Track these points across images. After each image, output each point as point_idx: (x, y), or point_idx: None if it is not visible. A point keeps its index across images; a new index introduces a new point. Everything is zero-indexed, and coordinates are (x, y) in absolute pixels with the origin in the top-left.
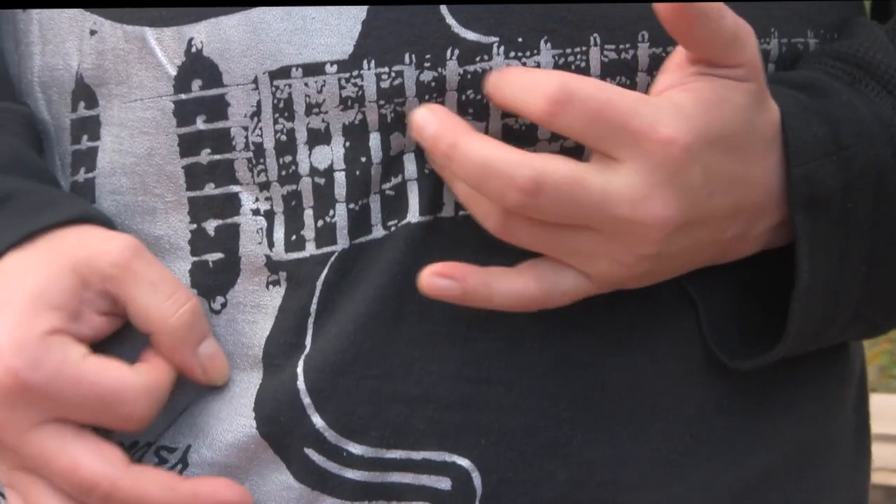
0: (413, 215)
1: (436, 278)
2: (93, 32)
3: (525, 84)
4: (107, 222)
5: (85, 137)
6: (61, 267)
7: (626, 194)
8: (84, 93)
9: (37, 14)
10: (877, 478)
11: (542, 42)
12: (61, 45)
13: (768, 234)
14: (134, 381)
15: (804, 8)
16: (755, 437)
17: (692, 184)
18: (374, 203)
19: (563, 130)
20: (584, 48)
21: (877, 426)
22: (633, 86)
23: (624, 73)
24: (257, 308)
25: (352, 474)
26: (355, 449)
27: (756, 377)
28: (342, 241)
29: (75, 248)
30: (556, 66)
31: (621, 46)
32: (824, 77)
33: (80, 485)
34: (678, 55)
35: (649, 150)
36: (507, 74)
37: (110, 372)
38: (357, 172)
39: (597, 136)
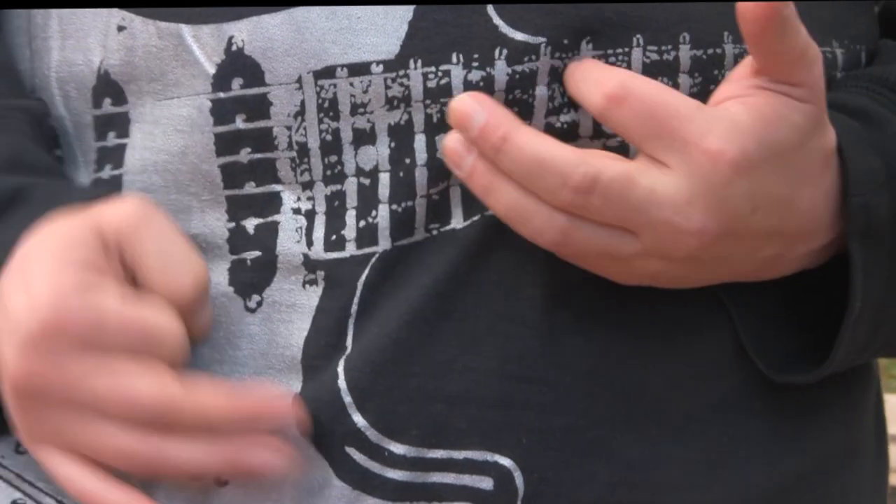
0: (458, 221)
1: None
2: (120, 28)
3: (591, 76)
4: None
5: (112, 134)
6: (81, 226)
7: (670, 198)
8: (109, 89)
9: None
10: None
11: (583, 43)
12: (83, 40)
13: (807, 257)
14: (169, 323)
15: (827, 18)
16: (788, 440)
17: (736, 198)
18: (420, 207)
19: (616, 127)
20: (626, 49)
21: None
22: (674, 87)
23: (665, 74)
24: (293, 308)
25: (393, 474)
26: (397, 448)
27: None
28: (384, 243)
29: (90, 211)
30: None
31: (663, 48)
32: (875, 105)
33: (145, 413)
34: (742, 67)
35: (697, 160)
36: (581, 65)
37: (146, 315)
38: (401, 174)
39: (647, 138)
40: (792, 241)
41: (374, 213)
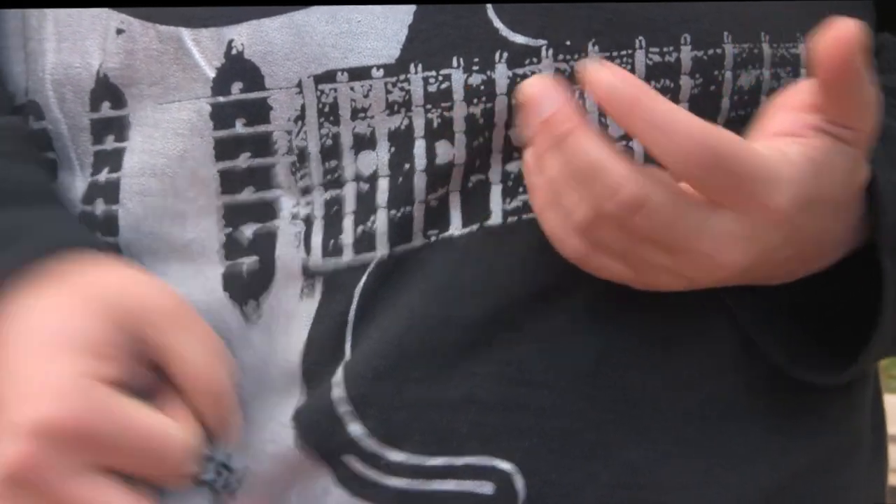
0: (456, 228)
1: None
2: (119, 31)
3: (665, 127)
4: (103, 249)
5: (111, 138)
6: (97, 310)
7: (715, 235)
8: (108, 93)
9: (52, 10)
10: None
11: (590, 45)
12: (80, 42)
13: (822, 267)
14: (179, 436)
15: (823, 16)
16: (787, 439)
17: (776, 241)
18: (419, 212)
19: (693, 185)
20: (629, 51)
21: None
22: (676, 88)
23: (667, 75)
24: (291, 316)
25: (393, 482)
26: (396, 456)
27: (785, 380)
28: (381, 249)
29: (108, 289)
30: None
31: (665, 49)
32: (888, 119)
33: None
34: (800, 95)
35: (755, 211)
36: (638, 103)
37: (156, 422)
38: (400, 179)
39: (708, 186)
40: (807, 264)
41: (372, 218)
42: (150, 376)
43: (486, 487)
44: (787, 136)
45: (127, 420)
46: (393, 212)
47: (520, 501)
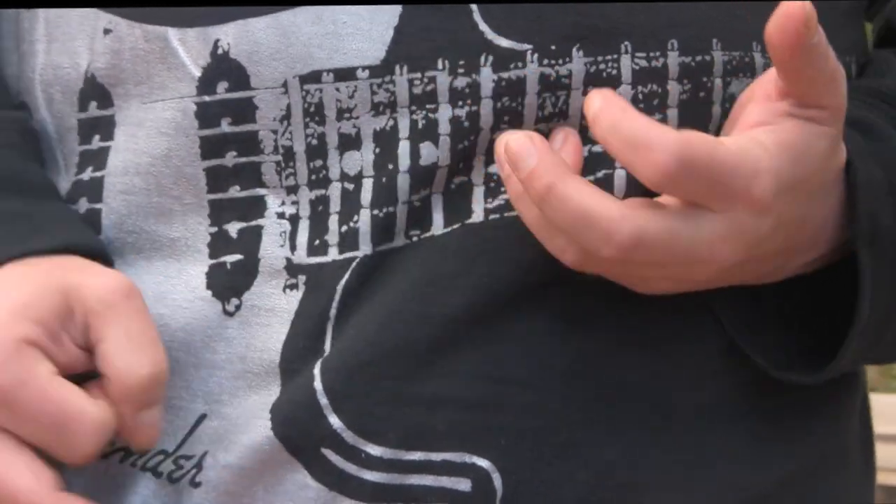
0: (438, 228)
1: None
2: (107, 31)
3: (638, 145)
4: (102, 253)
5: (97, 138)
6: (50, 286)
7: (708, 240)
8: (96, 92)
9: (43, 11)
10: (877, 478)
11: (574, 50)
12: (69, 43)
13: (808, 265)
14: (93, 415)
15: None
16: (772, 445)
17: (763, 231)
18: (401, 213)
19: (672, 193)
20: (615, 56)
21: (877, 426)
22: (664, 93)
23: (654, 80)
24: (272, 312)
25: (370, 476)
26: (374, 450)
27: (771, 385)
28: (364, 247)
29: (70, 272)
30: (588, 74)
31: (651, 54)
32: (875, 118)
33: (3, 496)
34: (766, 84)
35: (741, 207)
36: (615, 125)
37: (73, 397)
38: (383, 180)
39: (695, 193)
40: (794, 255)
41: (356, 217)
42: (85, 358)
43: (463, 484)
44: (759, 126)
45: (45, 389)
46: (376, 212)
47: (497, 499)
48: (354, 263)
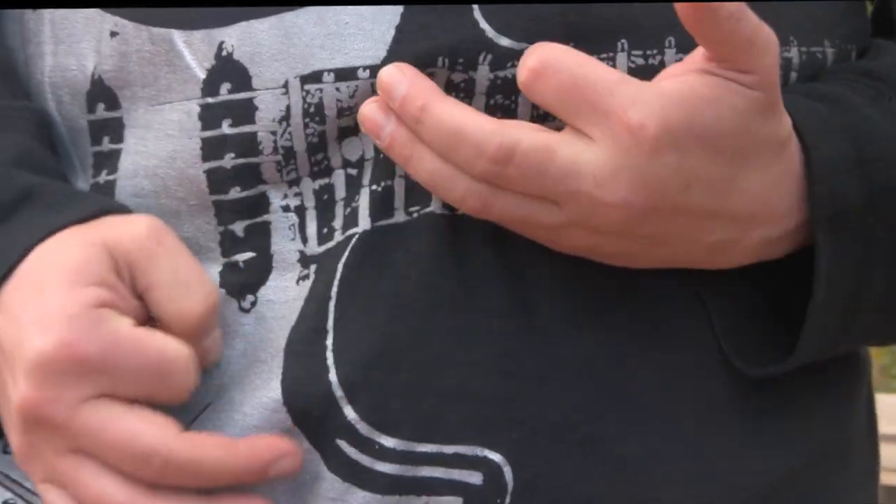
0: (437, 205)
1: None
2: (113, 34)
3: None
4: (129, 213)
5: (107, 139)
6: (95, 244)
7: (591, 170)
8: (103, 94)
9: (49, 13)
10: None
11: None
12: (76, 45)
13: (770, 244)
14: (182, 352)
15: (820, 18)
16: (779, 439)
17: (662, 173)
18: (399, 186)
19: (539, 101)
20: (611, 54)
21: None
22: None
23: (651, 78)
24: (286, 304)
25: (383, 467)
26: (387, 442)
27: (778, 379)
28: (363, 223)
29: (102, 230)
30: None
31: (648, 52)
32: (846, 91)
33: (138, 454)
34: (700, 51)
35: (619, 132)
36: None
37: (164, 342)
38: (381, 156)
39: (569, 111)
40: (745, 227)
41: (357, 197)
42: (142, 306)
43: (474, 477)
44: (669, 77)
45: (138, 341)
46: (374, 187)
47: (508, 492)
48: (354, 240)
